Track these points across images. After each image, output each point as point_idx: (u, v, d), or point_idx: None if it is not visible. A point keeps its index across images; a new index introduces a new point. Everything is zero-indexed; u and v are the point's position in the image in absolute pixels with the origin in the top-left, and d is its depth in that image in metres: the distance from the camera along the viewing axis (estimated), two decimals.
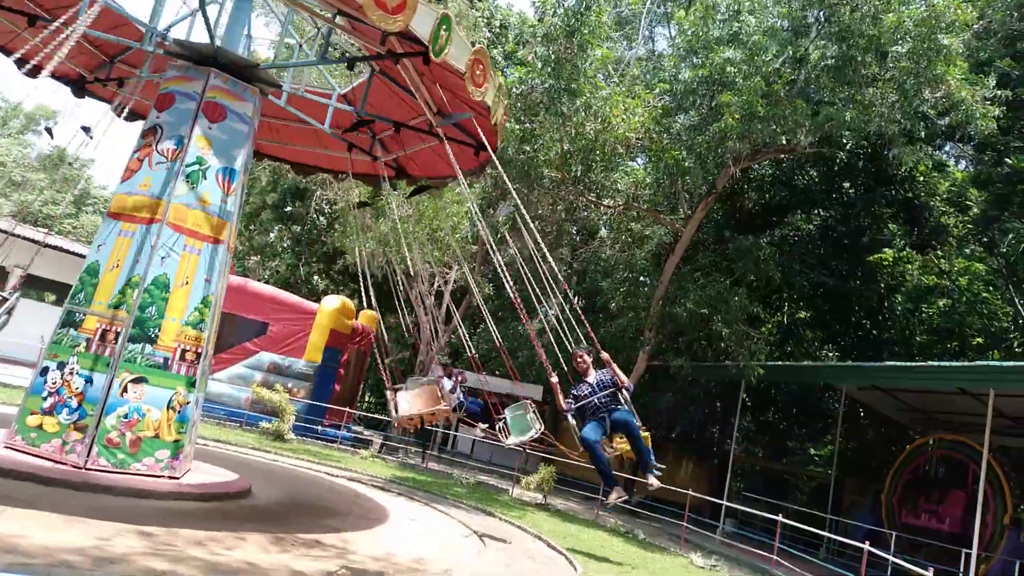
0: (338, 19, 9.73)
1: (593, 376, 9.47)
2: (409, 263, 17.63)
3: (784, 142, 16.47)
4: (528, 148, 17.80)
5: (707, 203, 18.70)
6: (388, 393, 10.72)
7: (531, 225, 10.55)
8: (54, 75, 12.29)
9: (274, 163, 19.47)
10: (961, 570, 14.18)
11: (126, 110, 11.55)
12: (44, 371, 8.67)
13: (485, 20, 26.37)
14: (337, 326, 21.58)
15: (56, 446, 8.24)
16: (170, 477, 8.71)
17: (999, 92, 15.75)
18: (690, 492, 14.94)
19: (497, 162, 11.17)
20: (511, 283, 10.44)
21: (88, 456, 8.18)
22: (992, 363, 17.84)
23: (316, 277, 33.31)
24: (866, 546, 11.13)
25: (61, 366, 8.55)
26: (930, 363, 18.16)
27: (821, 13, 16.80)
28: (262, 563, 6.30)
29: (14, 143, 44.79)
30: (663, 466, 10.20)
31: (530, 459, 20.51)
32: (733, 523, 18.01)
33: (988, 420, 14.28)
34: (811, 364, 21.61)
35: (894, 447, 22.68)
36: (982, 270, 22.14)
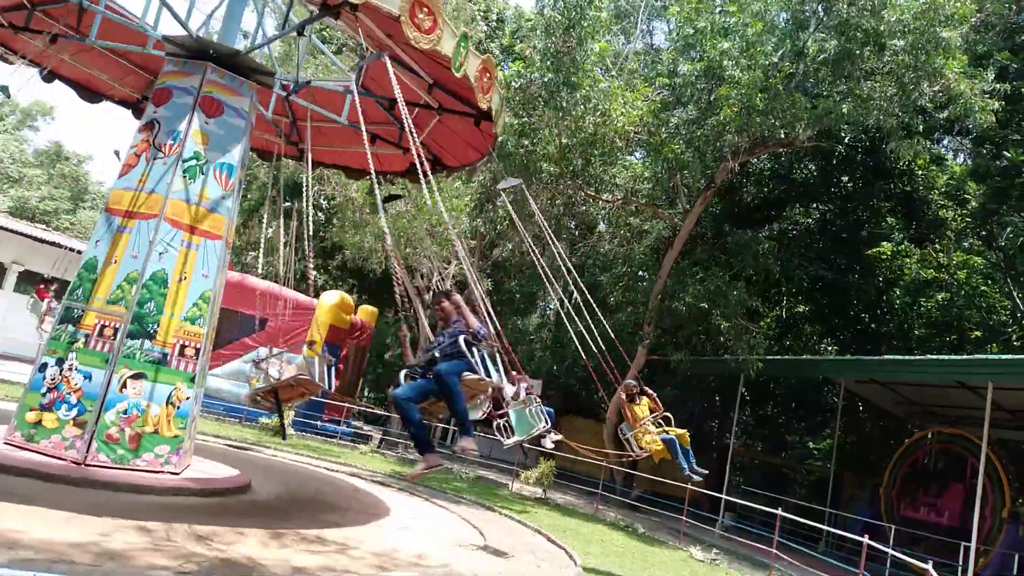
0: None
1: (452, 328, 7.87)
2: (397, 261, 17.56)
3: (783, 136, 16.45)
4: (527, 142, 17.77)
5: (705, 197, 18.68)
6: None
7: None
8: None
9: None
10: (960, 563, 14.21)
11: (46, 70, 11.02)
12: (43, 367, 8.65)
13: (482, 14, 26.30)
14: (336, 321, 21.55)
15: (55, 442, 8.23)
16: (170, 473, 8.70)
17: (998, 85, 15.73)
18: (689, 486, 14.95)
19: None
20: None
21: (87, 452, 8.16)
22: (990, 356, 17.86)
23: (314, 272, 33.25)
24: (865, 539, 11.15)
25: (60, 362, 8.54)
26: (929, 357, 18.20)
27: (820, 6, 16.77)
28: (263, 558, 6.30)
29: (10, 139, 44.65)
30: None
31: (530, 454, 20.53)
32: (732, 517, 18.03)
33: (987, 413, 14.30)
34: (810, 358, 21.65)
35: (893, 441, 22.72)
36: (980, 264, 22.15)
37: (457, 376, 6.99)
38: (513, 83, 17.10)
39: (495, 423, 10.27)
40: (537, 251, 15.34)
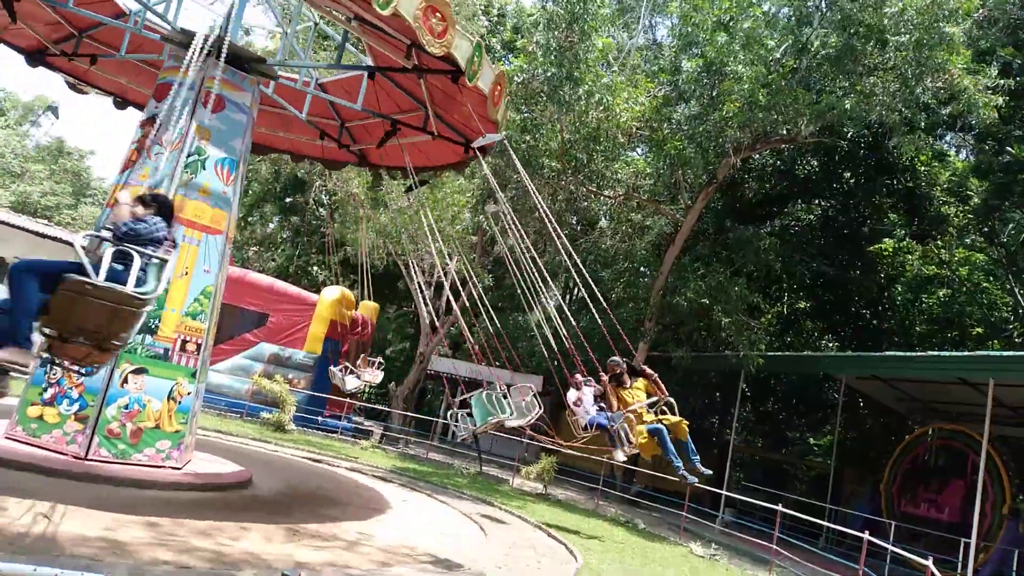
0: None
1: None
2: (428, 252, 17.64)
3: (785, 131, 16.42)
4: (528, 138, 17.75)
5: (707, 193, 18.67)
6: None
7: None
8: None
9: (274, 154, 19.39)
10: (960, 559, 14.22)
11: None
12: (45, 362, 8.66)
13: (483, 8, 26.23)
14: (337, 317, 21.58)
15: (57, 437, 8.25)
16: (171, 468, 8.72)
17: (1001, 81, 15.68)
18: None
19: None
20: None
21: (89, 447, 8.19)
22: (992, 353, 17.84)
23: (315, 268, 33.28)
24: (865, 535, 11.16)
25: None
26: (930, 353, 18.17)
27: (823, 1, 16.73)
28: (265, 553, 6.32)
29: (12, 134, 44.66)
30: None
31: (530, 449, 20.56)
32: (733, 513, 18.06)
33: (988, 410, 14.29)
34: (811, 354, 21.63)
35: (893, 437, 22.72)
36: (982, 260, 22.13)
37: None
38: (515, 78, 17.07)
39: (450, 412, 10.39)
40: (538, 249, 15.33)
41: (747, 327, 17.70)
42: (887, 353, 18.65)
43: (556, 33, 16.25)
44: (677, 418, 9.15)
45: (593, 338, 21.36)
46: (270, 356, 20.48)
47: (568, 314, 9.93)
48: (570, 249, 11.38)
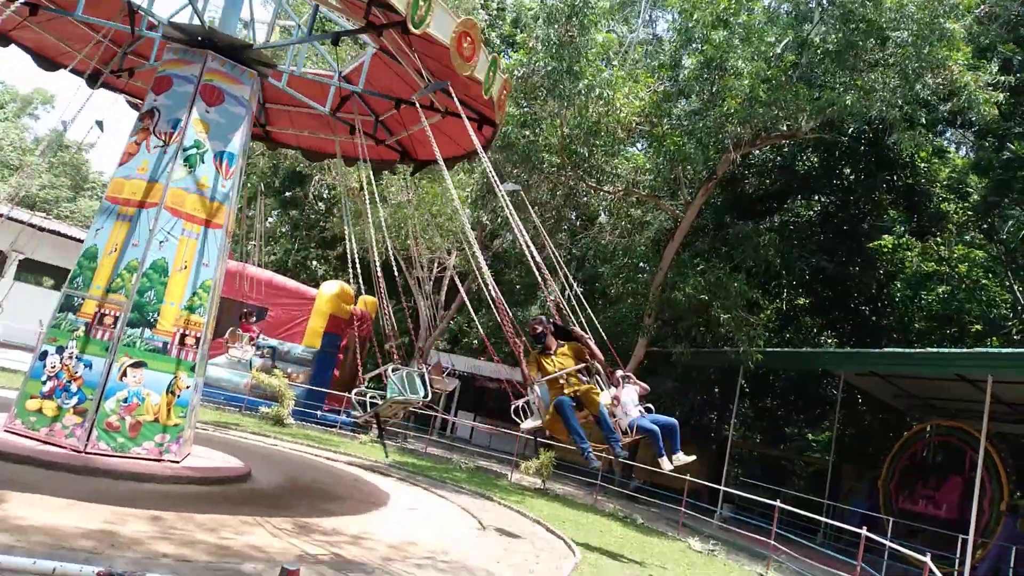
0: None
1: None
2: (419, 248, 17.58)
3: (785, 127, 16.40)
4: (528, 132, 17.71)
5: (707, 188, 18.65)
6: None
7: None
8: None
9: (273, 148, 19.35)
10: (957, 556, 14.25)
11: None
12: (43, 355, 8.66)
13: (481, 1, 26.15)
14: (336, 311, 21.57)
15: (56, 430, 8.24)
16: (170, 461, 8.72)
17: (1001, 77, 15.66)
18: (688, 477, 14.99)
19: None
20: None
21: (88, 440, 8.18)
22: (990, 350, 17.86)
23: (314, 262, 33.27)
24: (863, 531, 11.18)
25: (60, 350, 8.54)
26: (929, 350, 18.18)
27: None
28: (266, 547, 6.32)
29: (11, 126, 44.58)
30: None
31: (529, 444, 20.57)
32: (731, 508, 18.08)
33: (986, 407, 14.31)
34: (810, 350, 21.64)
35: (892, 433, 22.76)
36: (981, 257, 22.14)
37: None
38: (515, 72, 17.03)
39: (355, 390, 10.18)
40: (535, 248, 15.31)
41: (746, 323, 17.71)
42: (886, 349, 18.65)
43: (556, 27, 16.21)
44: (587, 386, 8.26)
45: (595, 333, 21.43)
46: (267, 351, 20.45)
47: (568, 310, 9.74)
48: (562, 245, 11.31)
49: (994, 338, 21.11)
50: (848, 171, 22.86)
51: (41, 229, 23.86)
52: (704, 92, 16.90)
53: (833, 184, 22.99)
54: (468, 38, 8.52)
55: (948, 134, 24.62)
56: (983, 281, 21.63)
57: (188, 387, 8.98)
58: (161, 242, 8.85)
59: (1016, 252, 20.70)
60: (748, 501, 16.94)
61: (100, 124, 11.42)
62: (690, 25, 16.85)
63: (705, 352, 19.24)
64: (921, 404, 20.36)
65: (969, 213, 21.76)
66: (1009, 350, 16.32)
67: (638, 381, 9.56)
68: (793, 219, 23.53)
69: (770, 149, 21.87)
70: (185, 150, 9.16)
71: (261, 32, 11.65)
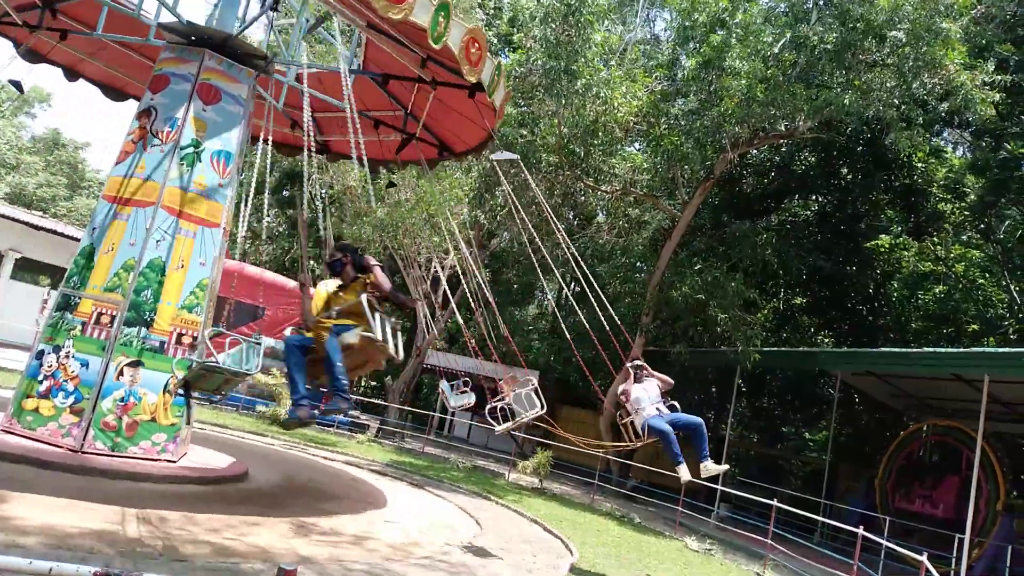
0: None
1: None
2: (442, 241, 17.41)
3: (783, 127, 16.41)
4: (525, 132, 17.70)
5: (705, 188, 18.66)
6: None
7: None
8: None
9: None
10: (954, 555, 14.28)
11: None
12: (40, 354, 8.64)
13: (479, 0, 26.12)
14: None
15: (52, 429, 8.23)
16: (167, 460, 8.70)
17: (998, 77, 15.68)
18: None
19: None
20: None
21: (84, 439, 8.17)
22: (987, 349, 17.89)
23: (312, 261, 33.19)
24: (860, 531, 11.19)
25: (57, 349, 8.52)
26: (925, 349, 18.21)
27: None
28: (265, 546, 6.31)
29: (7, 125, 44.47)
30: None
31: (527, 444, 20.58)
32: (728, 508, 18.09)
33: (983, 406, 14.33)
34: (807, 350, 21.67)
35: (889, 433, 22.78)
36: (978, 257, 22.17)
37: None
38: (513, 72, 17.02)
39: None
40: (537, 240, 15.27)
41: (743, 322, 17.72)
42: (883, 349, 18.68)
43: (553, 26, 16.20)
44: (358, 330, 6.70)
45: (593, 331, 21.42)
46: (266, 350, 20.40)
47: (567, 305, 9.74)
48: (566, 242, 11.28)
49: (991, 338, 21.14)
50: (846, 171, 22.89)
51: (37, 228, 23.81)
52: (702, 92, 16.90)
53: (831, 184, 23.02)
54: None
55: (945, 134, 24.66)
56: (980, 281, 21.66)
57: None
58: (158, 241, 8.83)
59: (1013, 252, 20.73)
60: (745, 501, 16.95)
61: (18, 85, 11.05)
62: (687, 25, 16.86)
63: (702, 352, 19.25)
64: (918, 404, 20.39)
65: (966, 213, 21.78)
66: (1006, 350, 16.35)
67: (656, 372, 8.88)
68: (790, 219, 23.55)
69: (768, 149, 21.87)
70: (182, 149, 9.14)
71: (256, 31, 11.62)
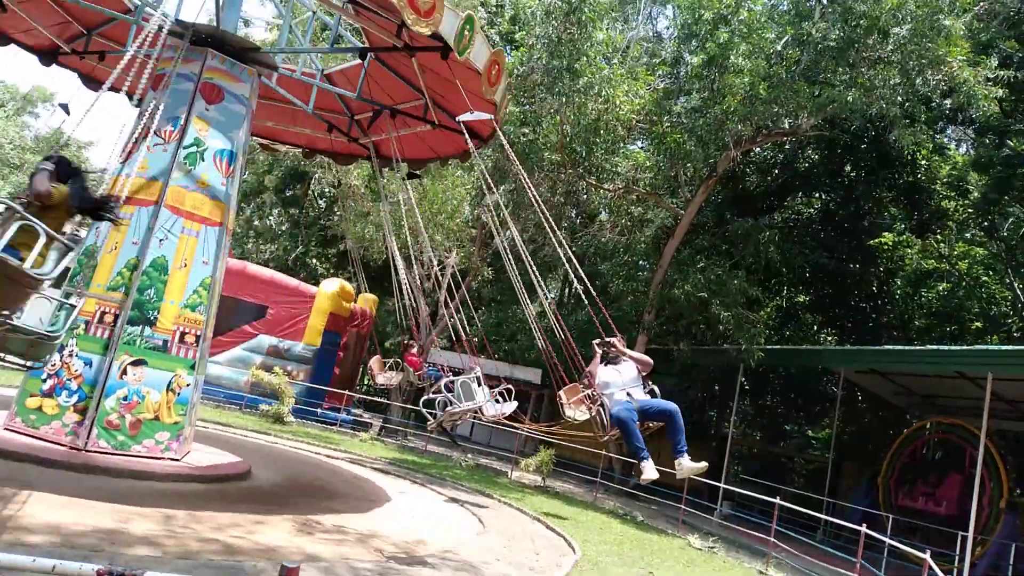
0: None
1: None
2: (425, 243, 17.57)
3: (787, 125, 16.39)
4: (528, 131, 17.69)
5: (708, 185, 18.63)
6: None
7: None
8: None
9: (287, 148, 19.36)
10: (957, 553, 14.26)
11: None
12: None
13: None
14: (336, 309, 21.58)
15: (56, 428, 8.25)
16: (170, 459, 8.73)
17: (1001, 72, 15.64)
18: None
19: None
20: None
21: (88, 438, 8.19)
22: (991, 347, 17.84)
23: (315, 260, 33.24)
24: (863, 529, 11.18)
25: (60, 348, 8.54)
26: (929, 347, 18.18)
27: None
28: (268, 544, 6.32)
29: (11, 124, 44.56)
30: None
31: (529, 442, 20.59)
32: (731, 506, 18.08)
33: (986, 404, 14.30)
34: (810, 348, 21.64)
35: (892, 431, 22.75)
36: (982, 254, 22.12)
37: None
38: (515, 71, 17.01)
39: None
40: (539, 241, 15.25)
41: (746, 320, 17.70)
42: (886, 347, 18.65)
43: (554, 25, 16.18)
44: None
45: (592, 330, 21.41)
46: (269, 348, 20.48)
47: (551, 313, 9.70)
48: (564, 242, 11.28)
49: (994, 335, 21.09)
50: (849, 168, 22.85)
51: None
52: (705, 89, 16.88)
53: (834, 181, 22.98)
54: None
55: (948, 131, 24.59)
56: (983, 278, 21.61)
57: (188, 385, 8.99)
58: (161, 240, 8.85)
59: (1016, 249, 20.68)
60: (748, 498, 16.93)
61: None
62: (692, 21, 16.81)
63: (705, 350, 19.23)
64: (921, 401, 20.36)
65: (969, 210, 21.74)
66: (1009, 347, 16.31)
67: (633, 352, 7.78)
68: (794, 216, 23.51)
69: (771, 146, 21.84)
70: (185, 148, 9.15)
71: (258, 31, 11.65)
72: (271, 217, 34.42)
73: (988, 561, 15.41)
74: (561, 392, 9.19)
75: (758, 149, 21.16)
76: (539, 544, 9.31)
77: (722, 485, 16.85)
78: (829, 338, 24.45)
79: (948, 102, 18.07)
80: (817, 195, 23.79)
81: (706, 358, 20.38)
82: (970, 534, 13.82)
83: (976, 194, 20.88)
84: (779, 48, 16.32)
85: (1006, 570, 14.86)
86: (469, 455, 19.52)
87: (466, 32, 8.57)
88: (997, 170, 19.20)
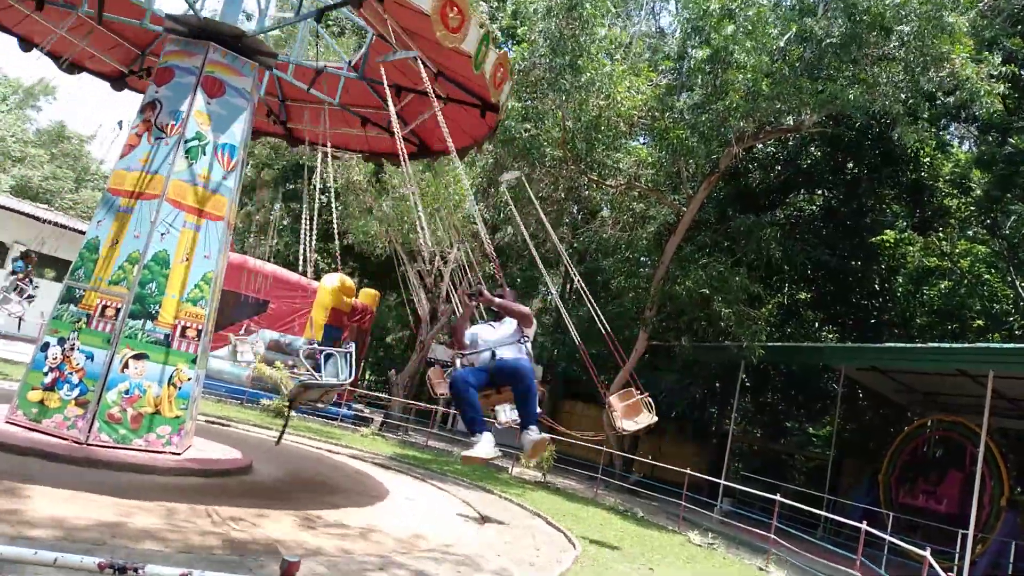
0: None
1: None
2: (424, 239, 17.53)
3: (790, 122, 16.36)
4: (529, 126, 17.67)
5: (710, 182, 18.61)
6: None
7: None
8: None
9: (273, 139, 19.30)
10: (957, 551, 14.27)
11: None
12: (45, 346, 8.67)
13: None
14: (337, 304, 21.59)
15: (57, 421, 8.25)
16: (171, 453, 8.73)
17: (1003, 68, 15.61)
18: (689, 471, 15.03)
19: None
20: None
21: (89, 432, 8.19)
22: (992, 345, 17.83)
23: (316, 255, 33.22)
24: (863, 526, 11.19)
25: (62, 342, 8.55)
26: (930, 345, 18.18)
27: None
28: (270, 539, 6.32)
29: (14, 118, 44.55)
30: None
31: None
32: (731, 502, 18.12)
33: (987, 402, 14.31)
34: (811, 345, 21.65)
35: (892, 428, 22.77)
36: (984, 252, 22.10)
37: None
38: (516, 66, 16.97)
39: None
40: (540, 237, 15.24)
41: (748, 317, 17.70)
42: (887, 344, 18.66)
43: (556, 21, 16.15)
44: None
45: (592, 327, 21.41)
46: (270, 343, 20.50)
47: (568, 303, 9.70)
48: (564, 239, 11.25)
49: (996, 333, 21.09)
50: (852, 165, 22.82)
51: (42, 220, 23.87)
52: (707, 85, 16.85)
53: (837, 178, 22.96)
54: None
55: (952, 128, 24.56)
56: (985, 276, 21.60)
57: (189, 379, 8.99)
58: (162, 234, 8.84)
59: (1018, 247, 20.66)
60: (748, 495, 16.95)
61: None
62: (699, 14, 16.74)
63: (706, 346, 19.24)
64: (922, 399, 20.36)
65: (972, 208, 21.71)
66: (1011, 345, 16.31)
67: (508, 302, 6.45)
68: (796, 213, 23.49)
69: (774, 143, 21.81)
70: (187, 142, 9.14)
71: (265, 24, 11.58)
72: (273, 212, 34.38)
73: (988, 559, 15.43)
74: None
75: (761, 145, 21.13)
76: (539, 540, 9.32)
77: (722, 482, 16.87)
78: (830, 335, 24.45)
79: (951, 99, 18.03)
80: (819, 192, 23.76)
81: (707, 355, 20.38)
82: (971, 532, 13.84)
83: (978, 192, 20.86)
84: (782, 44, 16.28)
85: (1006, 568, 14.88)
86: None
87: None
88: (1000, 167, 19.18)
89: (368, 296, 24.01)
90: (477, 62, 8.66)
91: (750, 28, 15.69)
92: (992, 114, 18.47)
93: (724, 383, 25.90)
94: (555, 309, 30.18)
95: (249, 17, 11.34)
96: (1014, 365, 14.10)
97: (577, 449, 18.74)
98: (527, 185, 12.80)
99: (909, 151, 20.18)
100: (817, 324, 24.85)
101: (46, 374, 8.46)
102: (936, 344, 18.47)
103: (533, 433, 6.09)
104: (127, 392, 8.42)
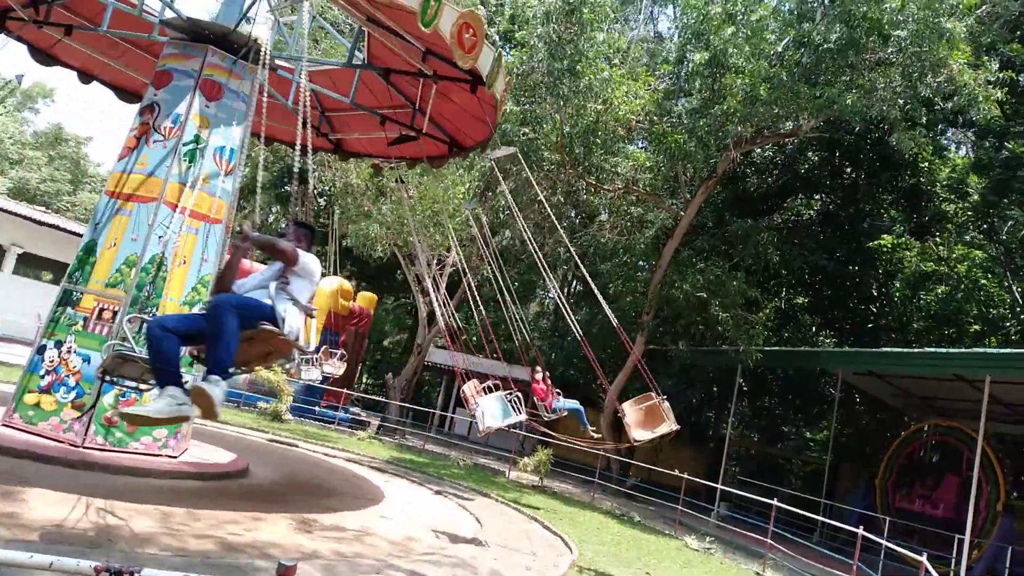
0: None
1: None
2: (418, 243, 17.53)
3: (788, 127, 16.39)
4: (527, 130, 17.69)
5: (708, 186, 18.64)
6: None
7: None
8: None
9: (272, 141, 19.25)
10: (954, 556, 14.27)
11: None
12: (41, 349, 8.66)
13: None
14: (335, 307, 21.56)
15: (54, 424, 8.24)
16: (168, 456, 8.72)
17: (1001, 74, 15.66)
18: (686, 476, 15.03)
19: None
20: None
21: (86, 435, 8.18)
22: (989, 350, 17.87)
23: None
24: (860, 531, 11.19)
25: (58, 344, 8.54)
26: (927, 349, 18.19)
27: None
28: (266, 542, 6.32)
29: (11, 120, 44.51)
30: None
31: (527, 441, 20.59)
32: (728, 507, 18.10)
33: (984, 407, 14.32)
34: (808, 349, 21.65)
35: (889, 433, 22.77)
36: (980, 257, 22.14)
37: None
38: (515, 70, 17.00)
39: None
40: (537, 241, 15.25)
41: (745, 321, 17.71)
42: (884, 349, 18.67)
43: (555, 26, 16.17)
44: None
45: (592, 328, 21.42)
46: None
47: (568, 304, 9.69)
48: (566, 241, 11.26)
49: (992, 338, 21.12)
50: (850, 170, 22.86)
51: (39, 223, 23.84)
52: (705, 90, 16.87)
53: (835, 183, 23.00)
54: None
55: (949, 134, 24.62)
56: (982, 281, 21.63)
57: (186, 383, 8.97)
58: (160, 237, 8.84)
59: (1015, 252, 20.71)
60: (745, 500, 16.95)
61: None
62: (700, 17, 16.76)
63: (704, 350, 19.24)
64: (919, 404, 20.38)
65: (969, 213, 21.75)
66: (1007, 351, 16.33)
67: (262, 237, 5.50)
68: (793, 218, 23.52)
69: (772, 147, 21.85)
70: (185, 145, 9.14)
71: (265, 29, 11.56)
72: (271, 216, 34.37)
73: (985, 564, 15.43)
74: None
75: (758, 150, 21.16)
76: (536, 544, 9.31)
77: (719, 486, 16.86)
78: (827, 340, 24.47)
79: (949, 104, 18.08)
80: (817, 197, 23.80)
81: (704, 359, 20.39)
82: (967, 537, 13.84)
83: (976, 197, 20.90)
84: (780, 49, 16.32)
85: (1002, 573, 14.88)
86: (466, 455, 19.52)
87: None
88: (997, 173, 19.23)
89: (366, 299, 24.00)
90: (425, 20, 7.79)
91: (749, 34, 15.74)
92: (989, 119, 18.50)
93: (721, 387, 25.90)
94: (552, 312, 30.21)
95: (249, 20, 11.29)
96: (1011, 370, 14.12)
97: (574, 453, 18.73)
98: (530, 175, 12.72)
99: (906, 156, 20.22)
100: (814, 328, 24.86)
101: (43, 377, 8.45)
102: (933, 349, 18.49)
103: (206, 384, 4.75)
104: (123, 395, 8.41)
